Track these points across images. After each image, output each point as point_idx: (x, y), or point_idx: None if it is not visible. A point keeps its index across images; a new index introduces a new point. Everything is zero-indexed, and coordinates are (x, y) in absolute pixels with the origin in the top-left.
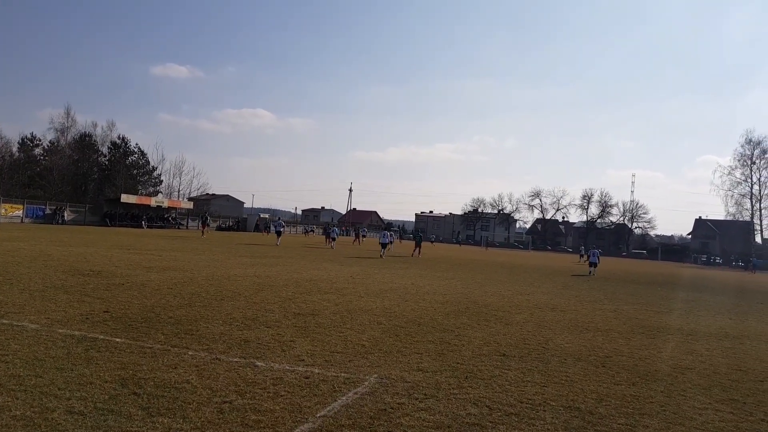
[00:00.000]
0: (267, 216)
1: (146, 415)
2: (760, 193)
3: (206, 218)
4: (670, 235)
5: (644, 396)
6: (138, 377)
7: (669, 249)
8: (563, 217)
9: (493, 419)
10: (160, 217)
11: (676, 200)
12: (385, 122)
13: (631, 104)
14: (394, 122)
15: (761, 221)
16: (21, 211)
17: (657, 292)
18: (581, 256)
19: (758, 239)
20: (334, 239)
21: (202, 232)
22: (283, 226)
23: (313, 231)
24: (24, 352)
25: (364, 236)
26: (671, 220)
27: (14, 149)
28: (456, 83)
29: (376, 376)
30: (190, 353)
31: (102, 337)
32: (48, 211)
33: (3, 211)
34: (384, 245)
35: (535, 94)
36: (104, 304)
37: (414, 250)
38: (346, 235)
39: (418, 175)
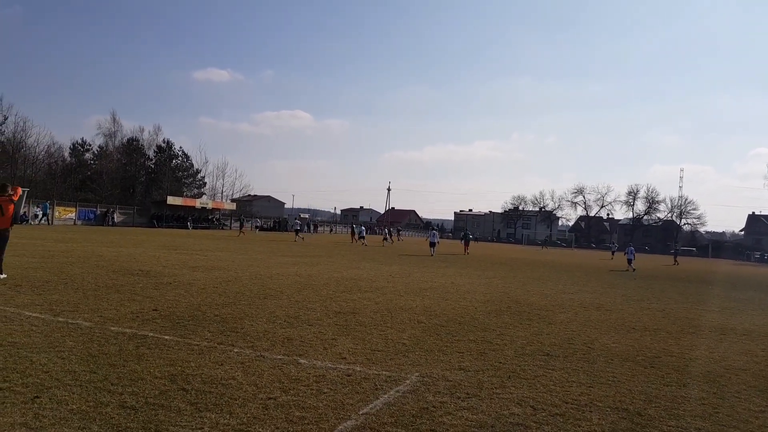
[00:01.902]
0: (307, 216)
1: (194, 410)
2: None
3: (242, 219)
4: (721, 231)
5: (696, 397)
6: (186, 373)
7: (720, 246)
8: (608, 214)
9: (538, 420)
10: (204, 218)
11: (726, 195)
12: (421, 121)
13: (677, 98)
14: (431, 121)
15: None
16: (74, 214)
17: (708, 291)
18: (613, 252)
19: None
20: (362, 237)
21: (240, 232)
22: (300, 225)
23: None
24: (79, 348)
25: (362, 236)
26: (722, 217)
27: (66, 154)
28: (494, 81)
29: (417, 374)
30: (235, 350)
31: (151, 334)
32: (99, 214)
33: (57, 213)
34: (432, 244)
35: (576, 90)
36: (153, 302)
37: (464, 249)
38: (377, 234)
39: (457, 173)
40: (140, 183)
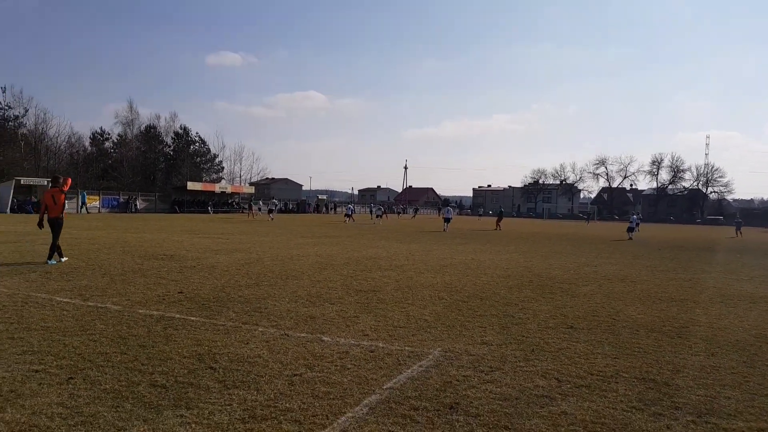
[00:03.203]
0: (325, 197)
1: (222, 387)
2: None
3: (251, 202)
4: (749, 198)
5: (725, 367)
6: (213, 353)
7: (749, 213)
8: (631, 185)
9: (563, 391)
10: (224, 203)
11: (755, 161)
12: (437, 97)
13: (701, 61)
14: (447, 96)
15: None
16: (98, 202)
17: (737, 260)
18: (587, 220)
19: None
20: (348, 216)
21: (250, 215)
22: (276, 205)
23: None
24: (109, 331)
25: (349, 215)
26: (750, 183)
27: (86, 144)
28: (511, 50)
29: (440, 349)
30: (260, 329)
31: (178, 316)
32: (122, 201)
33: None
34: (447, 220)
35: (597, 56)
36: (178, 285)
37: (496, 225)
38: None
39: (475, 148)
40: (160, 170)
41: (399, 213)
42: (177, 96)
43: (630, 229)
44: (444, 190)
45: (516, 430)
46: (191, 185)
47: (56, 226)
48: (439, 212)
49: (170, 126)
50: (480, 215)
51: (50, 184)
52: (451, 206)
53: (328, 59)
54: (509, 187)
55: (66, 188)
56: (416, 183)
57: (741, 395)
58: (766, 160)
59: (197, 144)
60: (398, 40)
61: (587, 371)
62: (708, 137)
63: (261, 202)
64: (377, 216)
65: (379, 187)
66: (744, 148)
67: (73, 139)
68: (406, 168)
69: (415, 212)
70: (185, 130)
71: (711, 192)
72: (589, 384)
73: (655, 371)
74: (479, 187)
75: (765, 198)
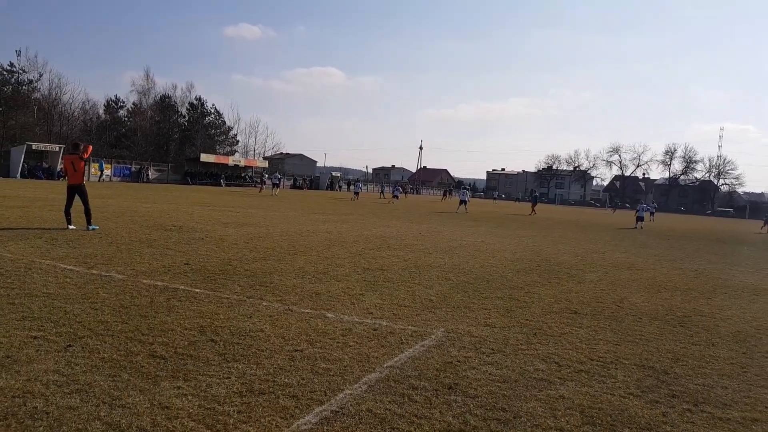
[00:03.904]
0: (339, 174)
1: (222, 360)
2: None
3: (263, 176)
4: (760, 192)
5: (724, 357)
6: (215, 325)
7: (759, 207)
8: (644, 174)
9: (562, 375)
10: (237, 176)
11: None
12: (455, 78)
13: (719, 51)
14: (465, 78)
15: None
16: (109, 171)
17: (743, 252)
18: (612, 208)
19: None
20: (356, 193)
21: (260, 189)
22: (279, 179)
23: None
24: (111, 300)
25: (357, 192)
26: (762, 177)
27: (101, 111)
28: (531, 34)
29: (443, 330)
30: (264, 304)
31: (182, 287)
32: (133, 170)
33: (93, 170)
34: (463, 202)
35: (615, 43)
36: (185, 257)
37: (531, 211)
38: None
39: (490, 131)
40: (174, 140)
41: (409, 193)
42: (194, 67)
43: (639, 218)
44: (458, 171)
45: (513, 412)
46: (204, 157)
47: (81, 193)
48: (444, 195)
49: (186, 97)
50: (495, 198)
51: (70, 151)
52: (467, 188)
53: (347, 36)
54: (523, 171)
55: (86, 155)
56: (431, 164)
57: (738, 385)
58: None
59: (212, 116)
60: (418, 20)
61: (588, 357)
62: (722, 129)
63: (265, 176)
64: (394, 196)
65: (393, 166)
66: (758, 142)
67: (87, 106)
68: (421, 148)
69: (445, 194)
70: (200, 101)
71: (722, 184)
72: (588, 369)
73: (655, 359)
74: (493, 170)
75: None
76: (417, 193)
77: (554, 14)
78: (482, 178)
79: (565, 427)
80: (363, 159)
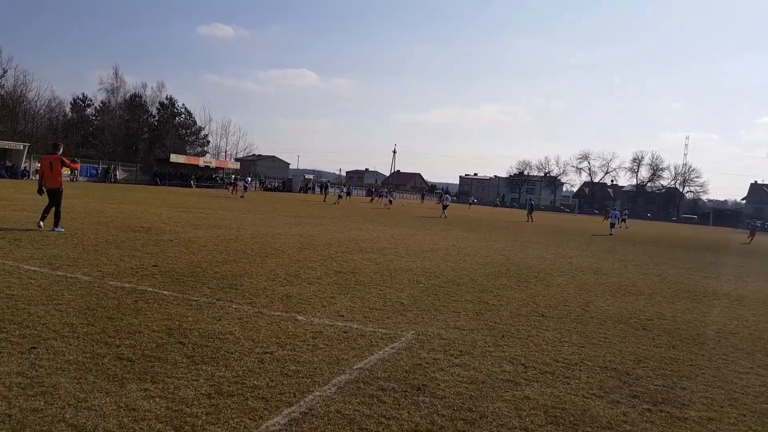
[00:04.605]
0: (312, 177)
1: (191, 362)
2: None
3: (236, 179)
4: (723, 199)
5: (684, 359)
6: (184, 328)
7: (721, 214)
8: (612, 181)
9: (528, 377)
10: (208, 177)
11: (730, 164)
12: (429, 83)
13: (687, 64)
14: (439, 83)
15: None
16: (77, 170)
17: (705, 258)
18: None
19: None
20: (340, 197)
21: (232, 191)
22: (249, 182)
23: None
24: (77, 302)
25: (347, 194)
26: (725, 185)
27: (67, 109)
28: (504, 42)
29: (413, 332)
30: (233, 306)
31: (150, 289)
32: (101, 170)
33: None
34: (445, 207)
35: (587, 53)
36: (153, 258)
37: (528, 218)
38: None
39: (463, 136)
40: (143, 140)
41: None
42: (165, 66)
43: (612, 225)
44: (431, 176)
45: (479, 412)
46: (174, 157)
47: (57, 196)
48: (422, 198)
49: (156, 96)
50: (470, 204)
51: (50, 151)
52: (449, 194)
53: (322, 38)
54: (495, 176)
55: (69, 164)
56: (404, 168)
57: (696, 386)
58: (740, 163)
59: (183, 116)
60: (394, 24)
61: (553, 358)
62: (687, 138)
63: (239, 179)
64: (444, 206)
65: (367, 169)
66: (721, 150)
67: (53, 104)
68: (395, 152)
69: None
70: (171, 101)
71: (687, 191)
72: (553, 371)
73: (618, 361)
74: (466, 174)
75: (737, 199)
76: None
77: (528, 22)
78: (455, 182)
79: (530, 426)
80: (336, 162)
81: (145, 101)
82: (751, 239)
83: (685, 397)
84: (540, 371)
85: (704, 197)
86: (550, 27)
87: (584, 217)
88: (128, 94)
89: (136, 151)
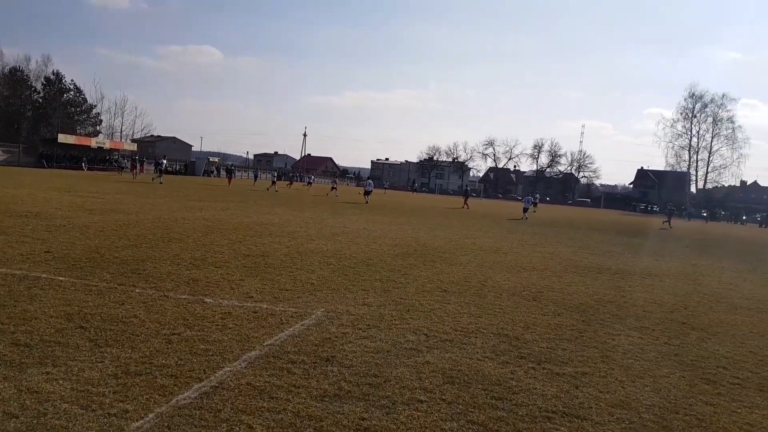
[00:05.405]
0: (217, 160)
1: (94, 346)
2: (698, 145)
3: (135, 160)
4: (614, 184)
5: (566, 325)
6: (84, 313)
7: (612, 198)
8: (515, 166)
9: (429, 344)
10: (101, 159)
11: (621, 151)
12: (340, 65)
13: (585, 55)
14: (351, 65)
15: (696, 172)
16: None
17: (594, 237)
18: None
19: (693, 189)
20: (274, 182)
21: (134, 174)
22: (164, 165)
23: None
24: None
25: (260, 178)
26: (616, 170)
27: None
28: (417, 27)
29: (323, 310)
30: (137, 291)
31: (44, 276)
32: None
33: None
34: (368, 192)
35: (497, 42)
36: (45, 244)
37: (463, 204)
38: (300, 181)
39: (375, 120)
40: (26, 119)
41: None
42: (51, 37)
43: (525, 209)
44: (343, 160)
45: (383, 377)
46: (63, 138)
47: None
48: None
49: (41, 71)
50: (385, 188)
51: None
52: (371, 179)
53: (226, 14)
54: (406, 161)
55: None
56: (315, 152)
57: (575, 347)
58: (631, 151)
59: (71, 93)
60: (304, 3)
61: (453, 328)
62: (583, 126)
63: (145, 160)
64: (366, 192)
65: (276, 153)
66: (613, 138)
67: None
68: (305, 135)
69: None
70: (58, 76)
71: (582, 176)
72: (452, 339)
73: (510, 328)
74: (377, 159)
75: (626, 184)
76: (306, 182)
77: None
78: (366, 167)
79: (428, 386)
80: (244, 144)
81: (27, 76)
82: (668, 223)
83: (564, 356)
84: (440, 339)
85: (597, 182)
86: (460, 14)
87: (489, 201)
88: (7, 68)
89: (17, 130)
